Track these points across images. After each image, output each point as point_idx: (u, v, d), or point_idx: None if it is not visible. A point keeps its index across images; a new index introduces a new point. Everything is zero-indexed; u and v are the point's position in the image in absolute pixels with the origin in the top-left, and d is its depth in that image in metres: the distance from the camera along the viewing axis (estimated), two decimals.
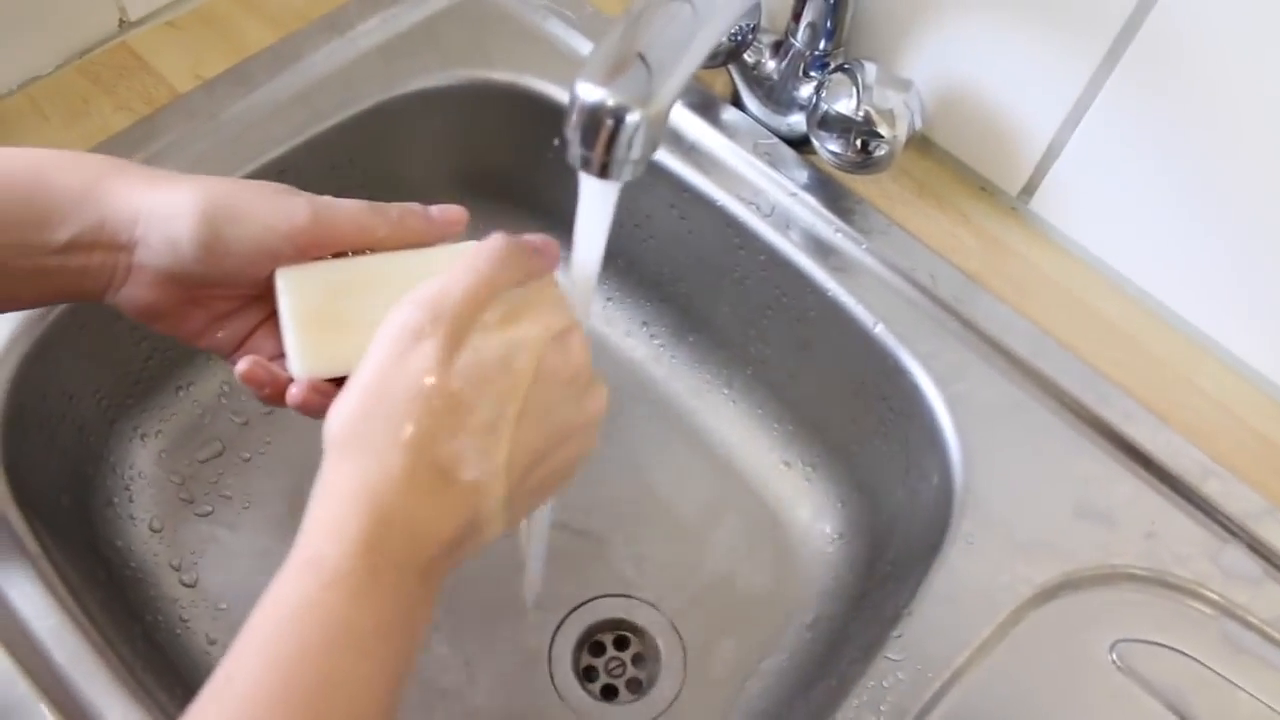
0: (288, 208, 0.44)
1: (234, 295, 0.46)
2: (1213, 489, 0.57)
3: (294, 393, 0.44)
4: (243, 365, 0.44)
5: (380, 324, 0.40)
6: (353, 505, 0.37)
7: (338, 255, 0.46)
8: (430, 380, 0.38)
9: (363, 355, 0.40)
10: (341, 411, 0.39)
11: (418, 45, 0.71)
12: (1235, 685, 0.53)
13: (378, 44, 0.70)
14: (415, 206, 0.47)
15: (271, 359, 0.46)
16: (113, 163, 0.45)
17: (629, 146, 0.41)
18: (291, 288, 0.44)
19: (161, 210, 0.43)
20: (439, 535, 0.38)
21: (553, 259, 0.45)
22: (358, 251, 0.46)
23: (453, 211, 0.48)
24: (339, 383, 0.44)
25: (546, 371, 0.41)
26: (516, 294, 0.41)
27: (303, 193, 0.45)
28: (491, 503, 0.40)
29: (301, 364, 0.44)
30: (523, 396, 0.40)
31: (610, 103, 0.41)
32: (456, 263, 0.41)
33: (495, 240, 0.42)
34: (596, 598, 0.68)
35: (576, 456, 0.44)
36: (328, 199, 0.45)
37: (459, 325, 0.39)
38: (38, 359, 0.58)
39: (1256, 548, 0.56)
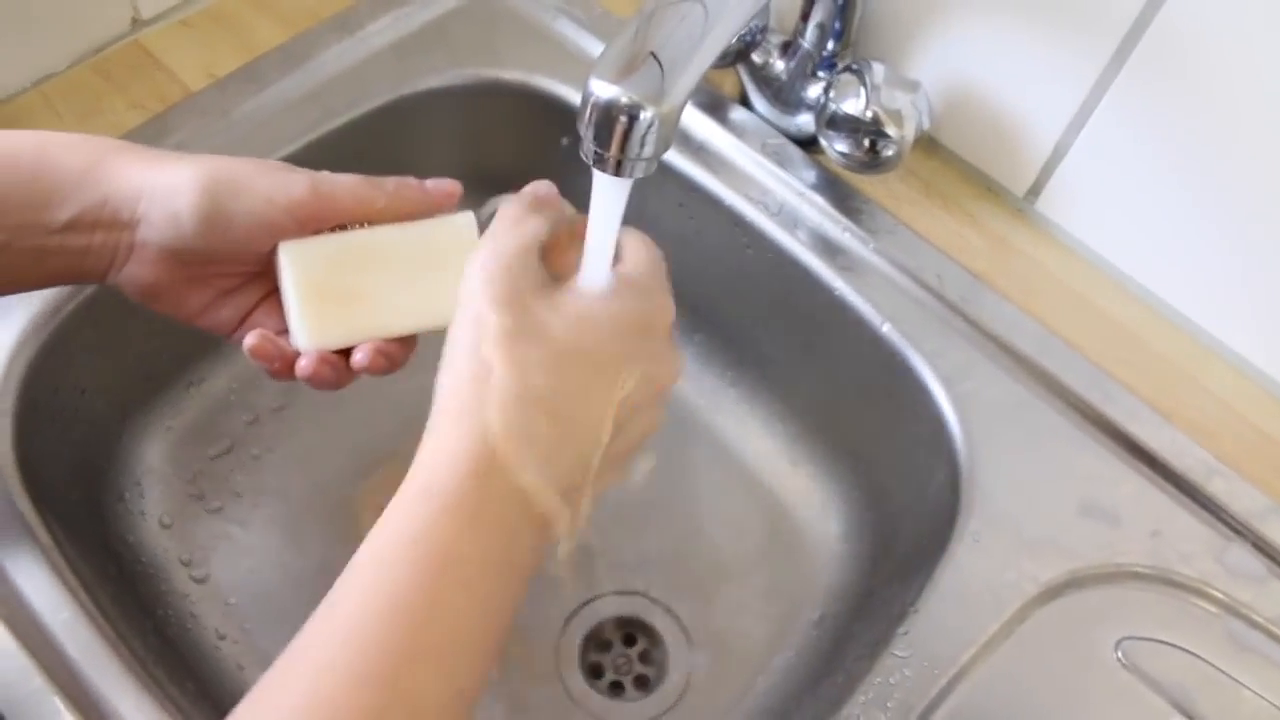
0: (287, 181, 0.45)
1: (234, 272, 0.47)
2: (1217, 488, 0.57)
3: (303, 364, 0.45)
4: (251, 339, 0.45)
5: (384, 296, 0.43)
6: (467, 440, 0.38)
7: (337, 229, 0.46)
8: (545, 329, 0.41)
9: (366, 326, 0.42)
10: (462, 357, 0.41)
11: (428, 44, 0.71)
12: (1240, 683, 0.53)
13: (389, 43, 0.71)
14: (410, 179, 0.48)
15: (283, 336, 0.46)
16: (115, 143, 0.45)
17: (642, 144, 0.42)
18: (294, 260, 0.45)
19: (163, 187, 0.43)
20: (540, 479, 0.40)
21: (554, 199, 0.48)
22: (357, 225, 0.47)
23: (446, 184, 0.49)
24: (345, 354, 0.45)
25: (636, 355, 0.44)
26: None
27: (301, 168, 0.46)
28: (580, 483, 0.42)
29: (307, 337, 0.45)
30: (620, 394, 0.42)
31: (624, 100, 0.41)
32: (469, 234, 0.44)
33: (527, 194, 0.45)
34: (604, 595, 0.68)
35: (648, 431, 0.46)
36: (325, 173, 0.46)
37: (536, 273, 0.43)
38: (51, 353, 0.58)
39: (1261, 546, 0.56)
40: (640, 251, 0.46)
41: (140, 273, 0.45)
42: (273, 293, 0.47)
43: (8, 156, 0.43)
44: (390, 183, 0.47)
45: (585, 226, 0.44)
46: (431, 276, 0.47)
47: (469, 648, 0.37)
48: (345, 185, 0.46)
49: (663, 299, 0.46)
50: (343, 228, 0.46)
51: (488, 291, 0.41)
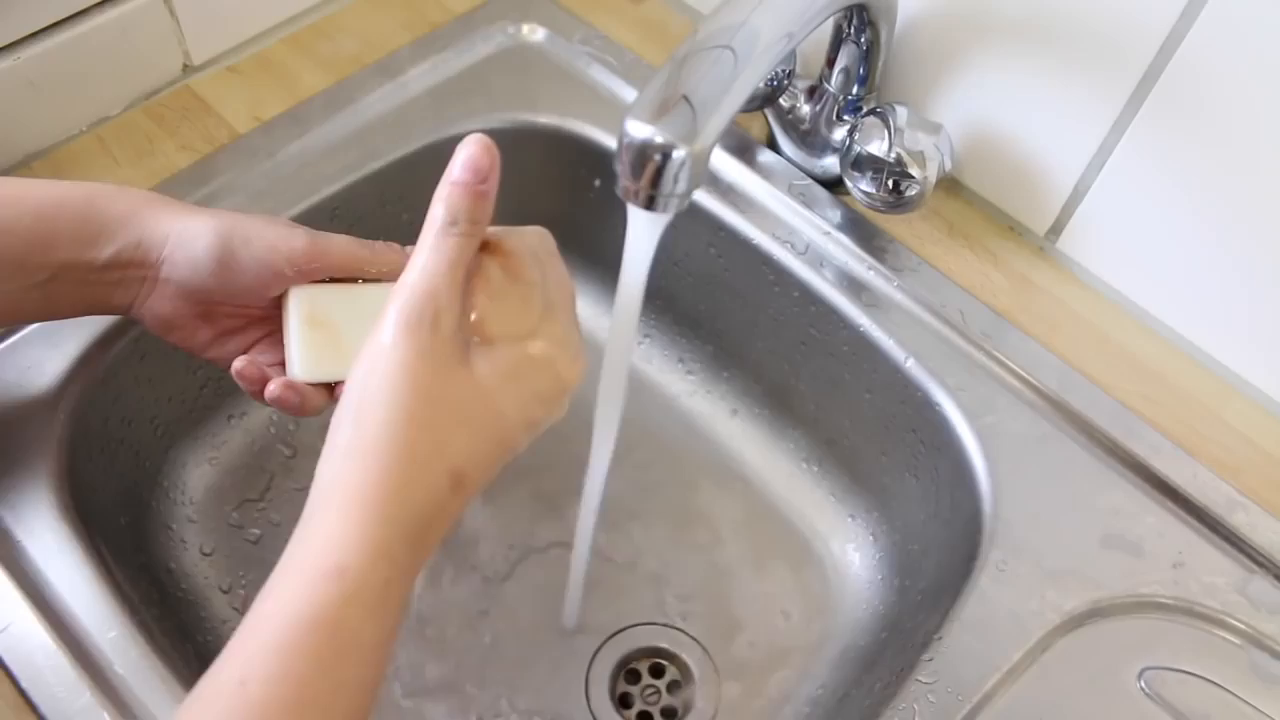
0: (289, 234, 0.51)
1: (240, 313, 0.52)
2: (1239, 520, 0.58)
3: (271, 389, 0.50)
4: (239, 363, 0.51)
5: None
6: (375, 514, 0.39)
7: (334, 281, 0.52)
8: (447, 393, 0.41)
9: (350, 365, 0.42)
10: (361, 417, 0.40)
11: (466, 89, 0.74)
12: (1263, 714, 0.54)
13: (428, 88, 0.73)
14: (393, 244, 0.53)
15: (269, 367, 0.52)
16: (151, 195, 0.52)
17: (675, 181, 0.44)
18: (300, 300, 0.51)
19: (187, 233, 0.50)
20: (437, 538, 0.41)
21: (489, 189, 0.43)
22: (356, 280, 0.53)
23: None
24: (329, 388, 0.51)
25: (542, 361, 0.44)
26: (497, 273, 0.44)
27: (302, 226, 0.52)
28: (476, 492, 0.43)
29: (301, 367, 0.50)
30: (543, 397, 0.43)
31: (658, 139, 0.43)
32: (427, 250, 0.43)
33: (440, 217, 0.43)
34: (633, 625, 0.70)
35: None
36: (323, 232, 0.52)
37: (455, 318, 0.41)
38: (101, 385, 0.60)
39: None
40: (524, 238, 0.46)
41: (160, 307, 0.51)
42: (273, 333, 0.53)
43: (61, 203, 0.49)
44: (377, 245, 0.53)
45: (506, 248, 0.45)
46: None
47: (364, 714, 0.39)
48: (338, 243, 0.52)
49: (557, 272, 0.47)
50: (338, 280, 0.52)
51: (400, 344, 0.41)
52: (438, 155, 0.71)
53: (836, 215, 0.69)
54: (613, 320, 0.50)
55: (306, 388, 0.50)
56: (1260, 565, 0.57)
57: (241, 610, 0.66)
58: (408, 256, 0.46)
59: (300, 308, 0.51)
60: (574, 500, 0.60)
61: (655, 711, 0.68)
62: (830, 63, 0.65)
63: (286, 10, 0.76)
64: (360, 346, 0.41)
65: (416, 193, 0.71)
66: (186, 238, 0.50)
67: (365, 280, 0.53)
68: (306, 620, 0.37)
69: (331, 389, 0.51)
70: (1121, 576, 0.56)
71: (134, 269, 0.50)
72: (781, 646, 0.69)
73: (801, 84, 0.69)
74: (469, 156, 0.42)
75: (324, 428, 0.72)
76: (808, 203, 0.69)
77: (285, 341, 0.51)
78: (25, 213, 0.48)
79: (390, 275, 0.52)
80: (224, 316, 0.52)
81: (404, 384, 0.40)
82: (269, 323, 0.53)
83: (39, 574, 0.53)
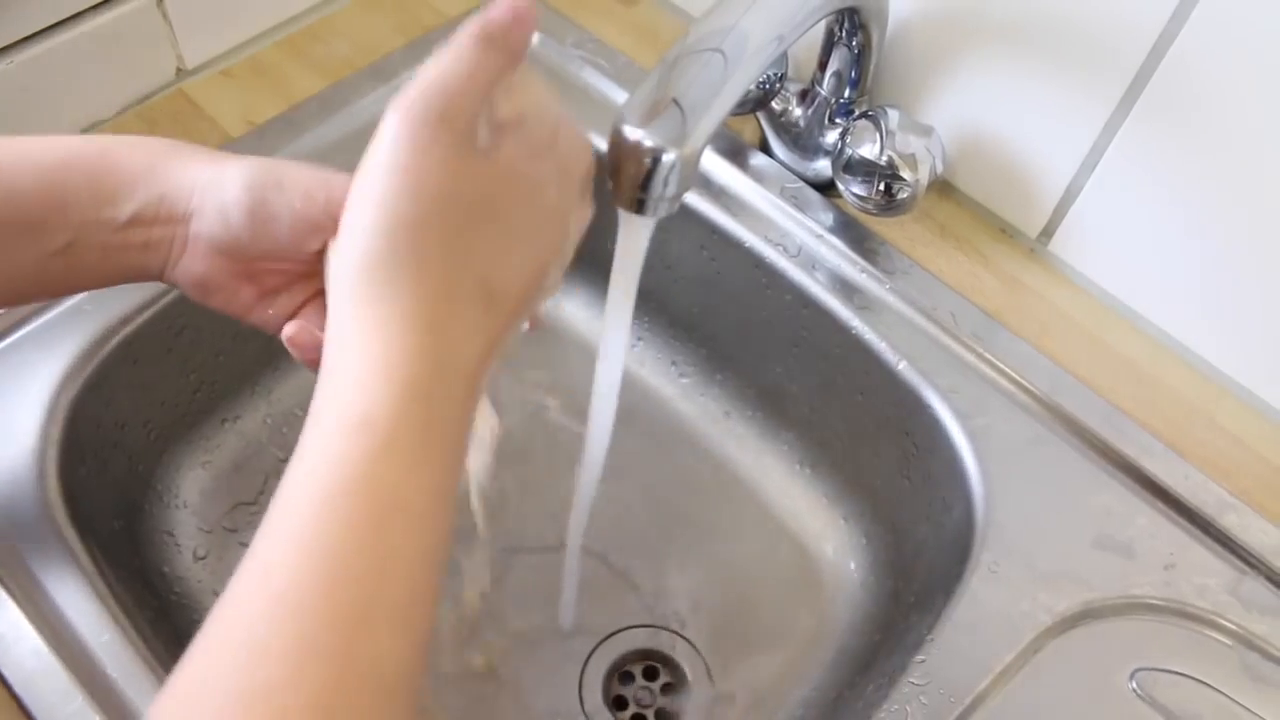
0: (328, 181, 0.45)
1: (282, 270, 0.47)
2: (1231, 522, 0.58)
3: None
4: (289, 328, 0.45)
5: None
6: (399, 349, 0.34)
7: None
8: (462, 186, 0.36)
9: None
10: (363, 237, 0.36)
11: None
12: (1255, 714, 0.54)
13: None
14: None
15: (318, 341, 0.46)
16: (172, 143, 0.47)
17: (665, 184, 0.44)
18: None
19: (214, 181, 0.44)
20: (481, 361, 0.36)
21: (528, 22, 0.40)
22: None
23: None
24: None
25: (555, 175, 0.40)
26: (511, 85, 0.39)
27: (343, 173, 0.46)
28: (519, 310, 0.38)
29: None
30: (549, 204, 0.39)
31: (648, 143, 0.43)
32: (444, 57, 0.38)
33: (475, 27, 0.38)
34: (627, 628, 0.70)
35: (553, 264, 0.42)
36: None
37: (471, 121, 0.37)
38: (93, 388, 0.60)
39: (1275, 579, 0.57)
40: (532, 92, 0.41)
41: (194, 267, 0.46)
42: (319, 294, 0.47)
43: (72, 157, 0.45)
44: None
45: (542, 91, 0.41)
46: None
47: (423, 597, 0.33)
48: None
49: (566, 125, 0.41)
50: None
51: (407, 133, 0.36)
52: None
53: (828, 218, 0.69)
54: (605, 323, 0.50)
55: None
56: (1251, 566, 0.57)
57: None
58: None
59: None
60: (568, 502, 0.60)
61: (649, 714, 0.68)
62: (822, 66, 0.66)
63: (279, 14, 0.76)
64: None
65: None
66: (214, 187, 0.44)
67: None
68: (332, 484, 0.32)
69: None
70: (1113, 578, 0.57)
71: (160, 226, 0.45)
72: (774, 648, 0.69)
73: (793, 87, 0.69)
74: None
75: None
76: (800, 205, 0.69)
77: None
78: (32, 171, 0.43)
79: None
80: (265, 274, 0.47)
81: (408, 182, 0.35)
82: (316, 279, 0.47)
83: (32, 578, 0.53)
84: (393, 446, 0.33)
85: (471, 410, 0.36)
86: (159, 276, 0.46)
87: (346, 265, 0.36)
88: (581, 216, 0.42)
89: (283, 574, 0.31)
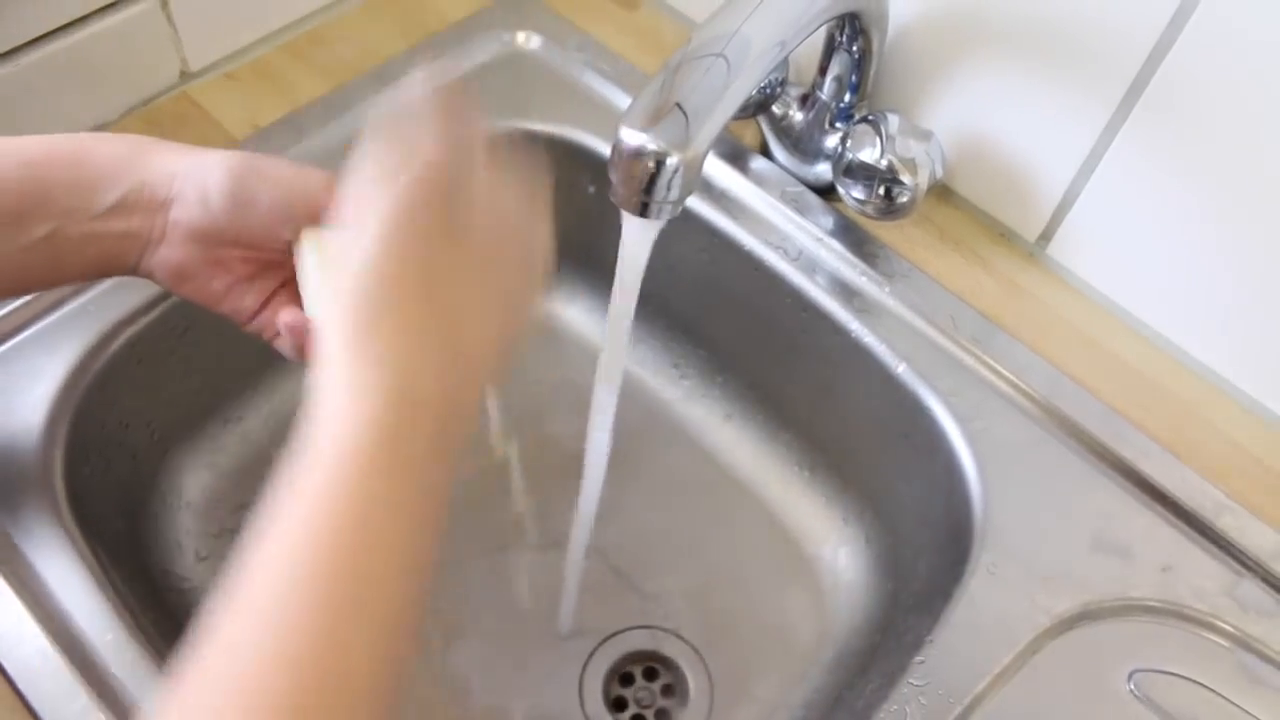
0: (305, 172, 0.48)
1: (255, 258, 0.49)
2: (1228, 524, 0.59)
3: (285, 326, 0.47)
4: (287, 315, 0.47)
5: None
6: (375, 387, 0.37)
7: None
8: (439, 259, 0.40)
9: None
10: (356, 293, 0.39)
11: None
12: (1252, 716, 0.54)
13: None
14: None
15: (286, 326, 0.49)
16: (148, 138, 0.49)
17: (668, 188, 0.44)
18: (313, 241, 0.48)
19: (196, 169, 0.47)
20: (447, 403, 0.39)
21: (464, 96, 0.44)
22: None
23: None
24: None
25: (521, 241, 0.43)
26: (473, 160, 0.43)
27: (318, 169, 0.49)
28: (482, 378, 0.42)
29: (320, 303, 0.47)
30: (509, 286, 0.43)
31: (651, 147, 0.44)
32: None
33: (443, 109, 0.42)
34: (627, 629, 0.70)
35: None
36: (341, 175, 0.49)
37: (449, 206, 0.41)
38: (98, 390, 0.61)
39: (1271, 581, 0.57)
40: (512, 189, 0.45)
41: (170, 255, 0.48)
42: (288, 283, 0.50)
43: (54, 150, 0.47)
44: None
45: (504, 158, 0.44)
46: None
47: (398, 622, 0.36)
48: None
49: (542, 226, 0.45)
50: None
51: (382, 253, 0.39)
52: None
53: (829, 222, 0.69)
54: (607, 325, 0.51)
55: None
56: (1248, 568, 0.58)
57: None
58: None
59: (316, 249, 0.48)
60: (568, 504, 0.60)
61: (649, 715, 0.68)
62: (823, 71, 0.66)
63: (284, 17, 0.76)
64: None
65: None
66: (198, 173, 0.47)
67: None
68: (317, 510, 0.35)
69: None
70: (1111, 580, 0.57)
71: (140, 214, 0.47)
72: (774, 649, 0.69)
73: (794, 91, 0.69)
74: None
75: None
76: (800, 209, 0.70)
77: (302, 286, 0.48)
78: (14, 165, 0.46)
79: None
80: (239, 262, 0.49)
81: (395, 252, 0.39)
82: (283, 270, 0.50)
83: (36, 577, 0.53)
84: (368, 473, 0.35)
85: (443, 446, 0.39)
86: (134, 268, 0.48)
87: (340, 313, 0.39)
88: (537, 301, 0.46)
89: (265, 597, 0.34)
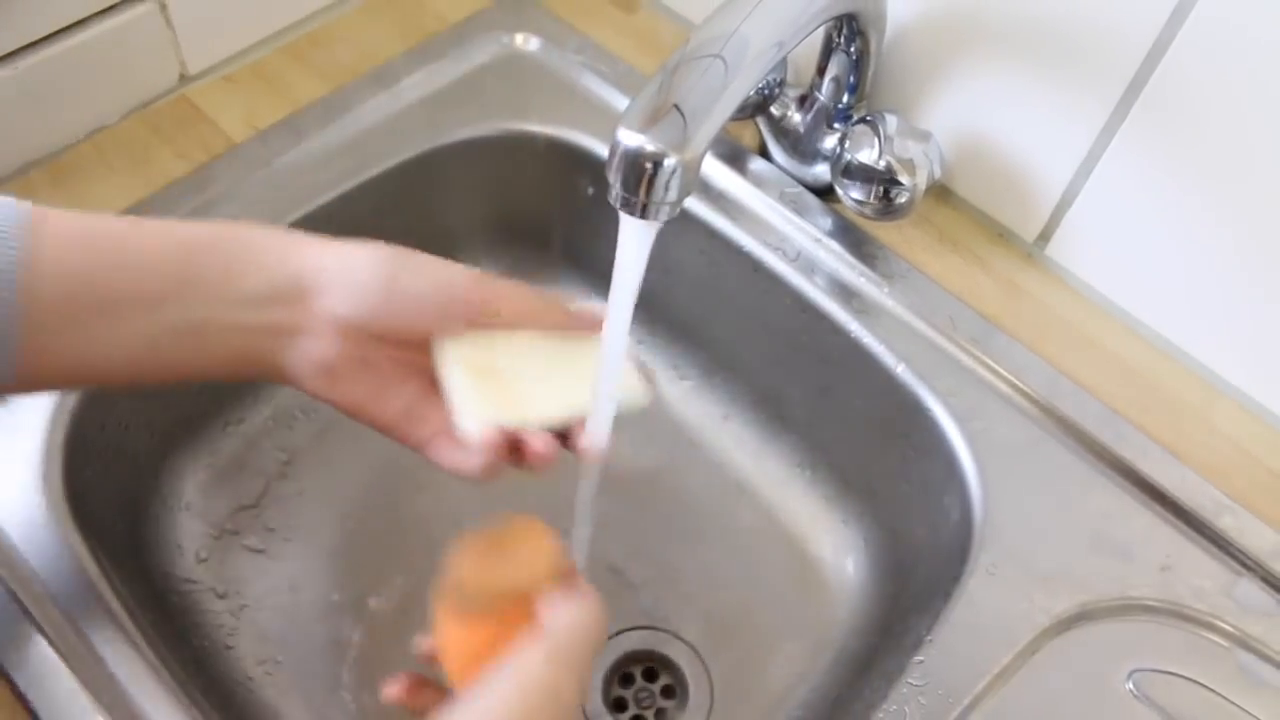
0: (454, 267, 0.48)
1: (399, 357, 0.48)
2: (1227, 524, 0.59)
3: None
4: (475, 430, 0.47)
5: (532, 385, 0.46)
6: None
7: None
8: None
9: (523, 408, 0.46)
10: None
11: (460, 98, 0.74)
12: (1250, 715, 0.54)
13: (422, 97, 0.74)
14: (561, 300, 0.51)
15: (435, 434, 0.49)
16: (292, 231, 0.48)
17: (666, 189, 0.44)
18: (453, 348, 0.48)
19: (346, 260, 0.46)
20: None
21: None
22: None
23: (586, 315, 0.51)
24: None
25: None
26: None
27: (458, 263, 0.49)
28: None
29: (471, 414, 0.47)
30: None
31: (649, 148, 0.44)
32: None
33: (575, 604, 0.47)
34: (627, 630, 0.70)
35: None
36: (488, 272, 0.49)
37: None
38: (98, 392, 0.61)
39: (1271, 581, 0.57)
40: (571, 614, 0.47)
41: (317, 347, 0.46)
42: (432, 388, 0.49)
43: (200, 234, 0.46)
44: (545, 296, 0.50)
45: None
46: (572, 374, 0.50)
47: None
48: (506, 283, 0.49)
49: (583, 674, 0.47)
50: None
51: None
52: (432, 163, 0.72)
53: (827, 222, 0.70)
54: (606, 327, 0.50)
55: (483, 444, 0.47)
56: (1247, 568, 0.58)
57: (238, 615, 0.66)
58: (572, 316, 0.50)
59: (457, 353, 0.47)
60: (568, 506, 0.60)
61: (649, 715, 0.68)
62: (821, 71, 0.66)
63: (282, 20, 0.76)
64: (529, 391, 0.45)
65: (411, 201, 0.73)
66: (349, 265, 0.46)
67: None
68: None
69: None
70: (1110, 579, 0.57)
71: (284, 306, 0.46)
72: (774, 649, 0.69)
73: (792, 92, 0.69)
74: None
75: (321, 433, 0.73)
76: (799, 210, 0.70)
77: (447, 394, 0.47)
78: (172, 242, 0.45)
79: (552, 327, 0.50)
80: (385, 361, 0.48)
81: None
82: (425, 375, 0.48)
83: (36, 579, 0.53)
84: None
85: None
86: (278, 364, 0.47)
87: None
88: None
89: None
